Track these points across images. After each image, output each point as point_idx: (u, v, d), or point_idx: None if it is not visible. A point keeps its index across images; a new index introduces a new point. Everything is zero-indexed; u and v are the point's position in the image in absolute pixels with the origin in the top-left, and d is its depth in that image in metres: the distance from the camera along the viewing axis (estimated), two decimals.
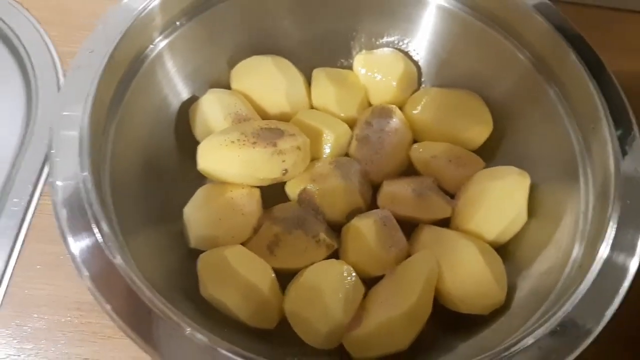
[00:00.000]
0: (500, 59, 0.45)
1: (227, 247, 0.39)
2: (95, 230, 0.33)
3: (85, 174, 0.33)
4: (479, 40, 0.45)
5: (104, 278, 0.32)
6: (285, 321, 0.38)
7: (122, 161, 0.38)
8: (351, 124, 0.45)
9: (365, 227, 0.40)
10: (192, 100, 0.45)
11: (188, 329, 0.31)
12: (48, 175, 0.34)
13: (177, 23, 0.42)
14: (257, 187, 0.41)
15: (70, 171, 0.34)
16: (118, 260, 0.32)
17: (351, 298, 0.37)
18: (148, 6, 0.39)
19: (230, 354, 0.30)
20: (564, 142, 0.40)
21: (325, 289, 0.37)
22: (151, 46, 0.41)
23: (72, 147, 0.34)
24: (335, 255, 0.41)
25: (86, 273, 0.32)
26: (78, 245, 0.32)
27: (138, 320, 0.31)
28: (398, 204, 0.41)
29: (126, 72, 0.39)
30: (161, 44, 0.41)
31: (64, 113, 0.35)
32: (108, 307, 0.31)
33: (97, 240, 0.32)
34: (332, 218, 0.42)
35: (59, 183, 0.34)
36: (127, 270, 0.32)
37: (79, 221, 0.33)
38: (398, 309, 0.36)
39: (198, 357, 0.30)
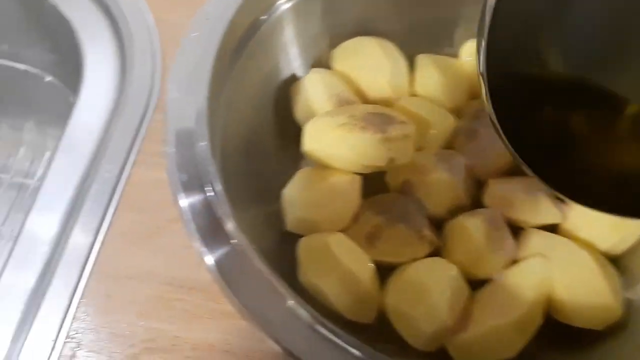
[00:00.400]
0: None
1: (328, 233, 0.37)
2: (214, 204, 0.32)
3: (204, 143, 0.32)
4: None
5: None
6: (383, 318, 0.37)
7: (230, 134, 0.37)
8: (456, 114, 0.43)
9: (473, 226, 0.37)
10: (292, 79, 0.43)
11: (291, 301, 0.30)
12: (164, 143, 0.33)
13: None
14: (359, 174, 0.40)
15: (186, 140, 0.33)
16: (235, 230, 0.31)
17: (457, 299, 0.35)
18: None
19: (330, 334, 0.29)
20: None
21: (432, 288, 0.35)
22: (262, 17, 0.39)
23: (190, 115, 0.33)
24: (435, 252, 0.39)
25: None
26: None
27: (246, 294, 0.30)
28: (507, 204, 0.39)
29: (239, 41, 0.37)
30: (275, 14, 0.40)
31: (180, 81, 0.34)
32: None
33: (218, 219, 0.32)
34: (434, 213, 0.40)
35: (173, 150, 0.33)
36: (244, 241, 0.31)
37: (195, 188, 0.32)
38: (507, 316, 0.34)
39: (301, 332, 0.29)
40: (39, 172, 0.61)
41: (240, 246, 0.31)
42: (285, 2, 0.40)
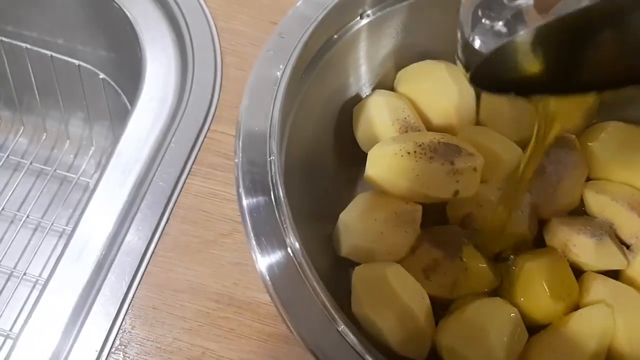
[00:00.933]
0: None
1: (386, 264, 0.36)
2: (278, 215, 0.32)
3: (273, 158, 0.32)
4: None
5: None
6: (434, 355, 0.36)
7: (293, 150, 0.36)
8: (522, 146, 0.42)
9: (537, 268, 0.36)
10: (356, 99, 0.42)
11: (342, 326, 0.29)
12: (236, 156, 0.33)
13: (366, 13, 0.40)
14: (419, 203, 0.38)
15: (256, 154, 0.33)
16: (295, 246, 0.31)
17: (515, 344, 0.34)
18: None
19: None
20: None
21: (490, 329, 0.34)
22: (335, 37, 0.39)
23: (261, 130, 0.33)
24: (494, 290, 0.38)
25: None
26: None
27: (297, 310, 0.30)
28: (572, 247, 0.38)
29: (311, 61, 0.37)
30: (347, 34, 0.39)
31: (253, 100, 0.33)
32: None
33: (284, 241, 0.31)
34: (494, 249, 0.38)
35: (243, 162, 0.33)
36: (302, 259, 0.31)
37: (260, 204, 0.32)
38: None
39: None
40: (83, 167, 0.61)
41: (298, 259, 0.31)
42: (357, 22, 0.40)
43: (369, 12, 0.40)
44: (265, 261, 0.30)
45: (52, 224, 0.58)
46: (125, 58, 0.51)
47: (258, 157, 0.33)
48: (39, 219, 0.58)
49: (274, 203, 0.32)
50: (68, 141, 0.62)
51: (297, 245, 0.31)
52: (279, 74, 0.35)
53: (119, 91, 0.56)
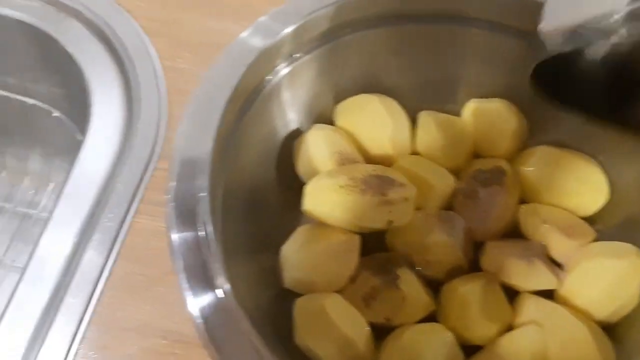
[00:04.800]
0: None
1: (325, 294, 0.37)
2: (206, 255, 0.33)
3: (203, 194, 0.33)
4: None
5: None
6: None
7: (233, 186, 0.38)
8: (456, 174, 0.44)
9: (470, 292, 0.38)
10: (296, 133, 0.44)
11: None
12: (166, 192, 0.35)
13: (296, 55, 0.41)
14: (358, 233, 0.40)
15: (187, 193, 0.34)
16: (225, 288, 0.32)
17: None
18: (274, 39, 0.38)
19: None
20: None
21: (426, 353, 0.35)
22: (268, 77, 0.40)
23: (191, 169, 0.34)
24: (431, 315, 0.39)
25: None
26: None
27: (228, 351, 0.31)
28: (504, 269, 0.39)
29: (245, 100, 0.38)
30: (279, 75, 0.40)
31: (187, 138, 0.35)
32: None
33: (206, 270, 0.32)
34: (431, 274, 0.40)
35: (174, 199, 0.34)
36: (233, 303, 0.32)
37: (191, 244, 0.33)
38: None
39: None
40: (42, 203, 0.62)
41: (228, 300, 0.32)
42: (289, 64, 0.41)
43: (299, 53, 0.41)
44: (196, 304, 0.31)
45: (13, 260, 0.59)
46: (77, 96, 0.52)
47: (189, 195, 0.34)
48: (0, 257, 0.59)
49: (203, 242, 0.33)
50: (27, 178, 0.63)
51: (228, 286, 0.32)
52: (212, 110, 0.36)
53: (74, 127, 0.57)
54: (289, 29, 0.39)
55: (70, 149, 0.59)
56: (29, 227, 0.61)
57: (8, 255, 0.59)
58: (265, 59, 0.39)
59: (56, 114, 0.56)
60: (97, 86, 0.48)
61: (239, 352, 0.30)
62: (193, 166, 0.35)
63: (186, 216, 0.34)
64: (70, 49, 0.49)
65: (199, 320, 0.31)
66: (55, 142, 0.60)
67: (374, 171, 0.39)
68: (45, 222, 0.42)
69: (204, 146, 0.36)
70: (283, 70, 0.41)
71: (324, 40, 0.42)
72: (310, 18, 0.40)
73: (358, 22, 0.43)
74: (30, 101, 0.56)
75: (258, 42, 0.39)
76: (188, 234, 0.34)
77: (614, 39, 0.31)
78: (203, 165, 0.35)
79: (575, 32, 0.32)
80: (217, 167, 0.36)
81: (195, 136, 0.36)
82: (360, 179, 0.38)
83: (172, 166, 0.35)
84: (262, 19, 0.40)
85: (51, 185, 0.63)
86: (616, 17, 0.30)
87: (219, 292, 0.32)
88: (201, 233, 0.33)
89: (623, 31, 0.30)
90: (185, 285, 0.33)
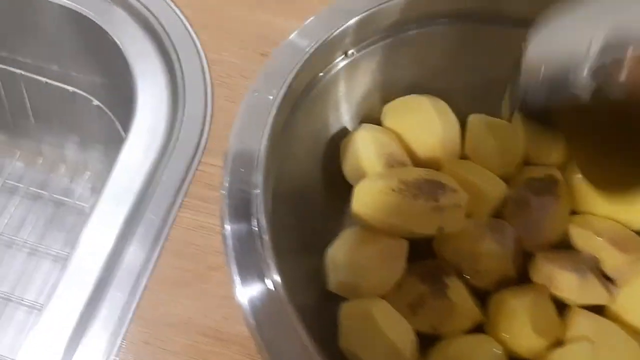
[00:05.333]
0: None
1: (372, 300, 0.37)
2: (259, 248, 0.33)
3: (258, 191, 0.33)
4: None
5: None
6: None
7: (282, 185, 0.37)
8: (506, 181, 0.42)
9: (520, 304, 0.37)
10: (343, 132, 0.43)
11: None
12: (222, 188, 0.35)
13: (350, 52, 0.40)
14: (406, 238, 0.39)
15: (241, 188, 0.34)
16: (276, 280, 0.31)
17: None
18: (329, 36, 0.37)
19: None
20: None
21: None
22: (321, 74, 0.39)
23: (246, 165, 0.35)
24: (478, 326, 0.38)
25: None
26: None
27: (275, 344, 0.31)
28: (556, 282, 0.38)
29: (298, 97, 0.38)
30: (332, 72, 0.40)
31: (242, 133, 0.35)
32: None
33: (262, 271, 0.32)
34: (480, 284, 0.39)
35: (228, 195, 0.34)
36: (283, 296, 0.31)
37: (243, 236, 0.33)
38: None
39: None
40: (78, 192, 0.62)
41: (278, 292, 0.32)
42: (343, 59, 0.40)
43: (352, 50, 0.41)
44: (246, 295, 0.31)
45: (48, 248, 0.59)
46: (118, 86, 0.52)
47: (243, 190, 0.34)
48: (35, 244, 0.59)
49: (256, 236, 0.32)
50: (64, 165, 0.63)
51: (278, 279, 0.31)
52: (267, 107, 0.36)
53: (113, 118, 0.57)
54: (344, 26, 0.38)
55: (108, 139, 0.59)
56: (64, 215, 0.61)
57: (43, 242, 0.60)
58: (320, 56, 0.38)
59: (96, 103, 0.56)
60: (142, 77, 0.47)
61: (286, 346, 0.30)
62: (247, 163, 0.35)
63: (239, 211, 0.34)
64: (116, 38, 0.49)
65: (248, 311, 0.31)
66: (93, 132, 0.59)
67: (426, 175, 0.38)
68: (88, 214, 0.42)
69: (257, 143, 0.35)
70: (336, 67, 0.40)
71: (377, 38, 0.41)
72: (364, 15, 0.40)
73: (411, 21, 0.42)
74: (71, 89, 0.56)
75: (313, 39, 0.38)
76: (241, 226, 0.34)
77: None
78: (258, 162, 0.35)
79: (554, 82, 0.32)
80: (269, 164, 0.36)
81: (249, 133, 0.35)
82: (412, 182, 0.37)
83: (226, 162, 0.35)
84: (316, 16, 0.40)
85: (87, 175, 0.63)
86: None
87: (269, 284, 0.32)
88: (254, 227, 0.33)
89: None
90: (236, 276, 0.33)
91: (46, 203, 0.61)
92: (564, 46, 0.32)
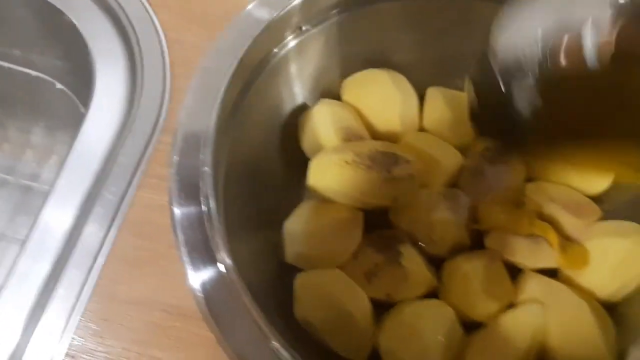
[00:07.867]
0: None
1: (326, 270, 0.37)
2: (208, 230, 0.33)
3: (206, 168, 0.33)
4: None
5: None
6: (377, 356, 0.37)
7: (236, 160, 0.37)
8: (463, 151, 0.43)
9: (472, 269, 0.37)
10: (301, 108, 0.43)
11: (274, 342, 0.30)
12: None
13: (304, 28, 0.40)
14: (362, 209, 0.40)
15: (190, 167, 0.33)
16: (227, 263, 0.31)
17: (450, 343, 0.36)
18: (282, 11, 0.37)
19: None
20: None
21: (425, 330, 0.35)
22: (275, 50, 0.39)
23: (195, 144, 0.34)
24: (433, 292, 0.39)
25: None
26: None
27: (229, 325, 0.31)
28: (508, 247, 0.39)
29: (251, 74, 0.38)
30: (287, 48, 0.40)
31: (191, 111, 0.35)
32: None
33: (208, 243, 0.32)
34: (434, 252, 0.40)
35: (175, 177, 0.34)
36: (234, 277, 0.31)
37: (193, 218, 0.33)
38: None
39: None
40: (44, 176, 0.62)
41: (229, 275, 0.31)
42: (296, 37, 0.40)
43: (307, 26, 0.41)
44: (197, 279, 0.31)
45: (16, 233, 0.59)
46: (80, 68, 0.51)
47: (192, 169, 0.34)
48: (3, 229, 0.59)
49: (205, 217, 0.32)
50: (30, 150, 0.63)
51: (229, 260, 0.31)
52: (217, 84, 0.36)
53: (77, 101, 0.57)
54: (297, 1, 0.38)
55: (74, 122, 0.59)
56: (31, 200, 0.61)
57: (10, 227, 0.60)
58: (273, 32, 0.38)
59: (60, 86, 0.56)
60: (101, 58, 0.47)
61: (239, 325, 0.30)
62: (196, 140, 0.35)
63: (189, 191, 0.34)
64: (75, 20, 0.48)
65: (200, 294, 0.31)
66: (58, 115, 0.59)
67: (381, 147, 0.39)
68: (47, 194, 0.42)
69: (207, 120, 0.35)
70: (290, 43, 0.40)
71: (332, 13, 0.41)
72: None
73: None
74: (34, 73, 0.56)
75: (265, 14, 0.38)
76: (190, 209, 0.34)
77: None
78: (206, 140, 0.34)
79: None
80: (220, 142, 0.36)
81: (199, 110, 0.36)
82: (366, 155, 0.38)
83: (175, 140, 0.35)
84: None
85: (54, 158, 0.62)
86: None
87: (221, 267, 0.32)
88: (204, 208, 0.33)
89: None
90: (186, 259, 0.33)
91: (13, 188, 0.61)
92: (521, 35, 0.32)
